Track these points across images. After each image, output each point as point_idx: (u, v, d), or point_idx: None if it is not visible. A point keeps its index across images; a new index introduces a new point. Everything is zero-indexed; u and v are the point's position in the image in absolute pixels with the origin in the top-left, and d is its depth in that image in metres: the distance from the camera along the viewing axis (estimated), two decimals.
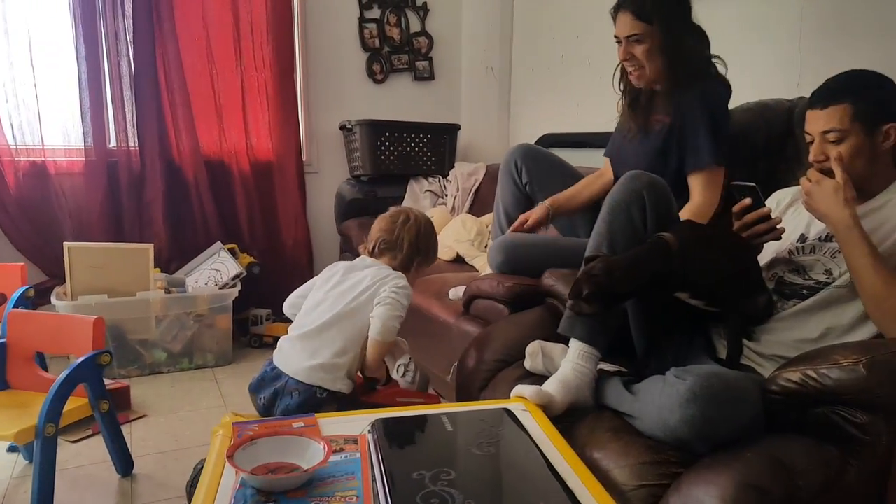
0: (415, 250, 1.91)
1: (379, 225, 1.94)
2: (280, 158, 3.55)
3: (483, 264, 2.92)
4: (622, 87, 2.11)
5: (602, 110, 2.66)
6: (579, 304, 1.37)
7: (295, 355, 1.75)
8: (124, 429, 2.19)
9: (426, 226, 1.96)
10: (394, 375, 1.88)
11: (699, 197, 1.91)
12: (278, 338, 3.23)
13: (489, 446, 1.19)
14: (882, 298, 1.37)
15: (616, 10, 1.97)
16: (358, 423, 1.30)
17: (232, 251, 3.31)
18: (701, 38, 1.93)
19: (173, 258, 3.35)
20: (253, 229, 3.55)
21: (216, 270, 3.22)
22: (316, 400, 1.68)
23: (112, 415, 2.00)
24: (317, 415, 1.34)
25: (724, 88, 1.96)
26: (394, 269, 1.87)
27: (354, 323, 1.76)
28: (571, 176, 2.36)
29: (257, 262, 3.38)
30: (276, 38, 3.44)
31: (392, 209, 2.00)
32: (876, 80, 1.51)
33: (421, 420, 1.31)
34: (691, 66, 1.91)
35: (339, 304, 1.77)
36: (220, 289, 3.12)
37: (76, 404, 1.91)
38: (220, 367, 3.10)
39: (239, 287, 3.14)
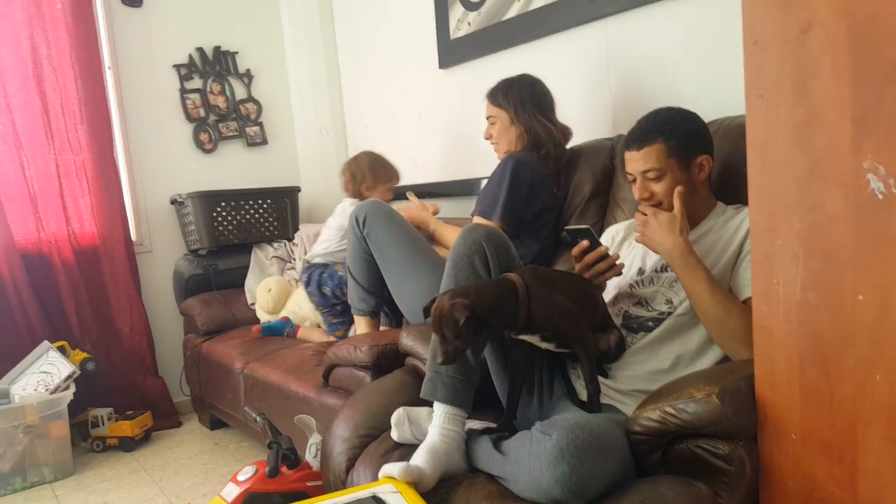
0: (352, 179, 2.82)
1: None
2: (106, 242, 3.30)
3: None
4: None
5: (435, 162, 2.70)
6: (449, 343, 1.33)
7: None
8: None
9: (357, 160, 2.84)
10: (307, 457, 1.84)
11: None
12: (124, 439, 3.06)
13: None
14: (722, 322, 1.43)
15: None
16: None
17: (62, 349, 2.99)
18: (547, 122, 2.20)
19: None
20: (83, 322, 3.25)
21: (46, 373, 2.89)
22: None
23: None
24: None
25: (534, 159, 2.18)
26: (350, 197, 2.85)
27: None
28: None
29: (91, 358, 3.08)
30: (90, 117, 3.22)
31: None
32: (682, 116, 1.60)
33: None
34: (529, 138, 2.20)
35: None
36: (52, 393, 2.80)
37: None
38: (59, 482, 2.78)
39: (73, 388, 2.85)
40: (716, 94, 1.97)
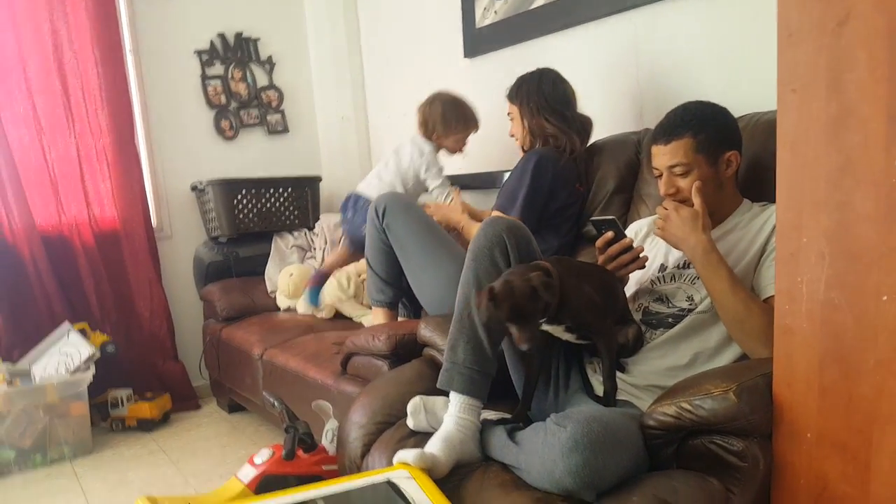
0: (424, 124, 2.64)
1: None
2: (126, 226, 3.32)
3: (371, 321, 2.83)
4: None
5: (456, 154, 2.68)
6: (529, 323, 1.33)
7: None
8: None
9: (432, 106, 2.63)
10: (323, 441, 1.87)
11: None
12: (143, 420, 3.07)
13: None
14: (742, 320, 1.41)
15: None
16: None
17: (82, 331, 3.03)
18: (558, 117, 2.21)
19: (15, 346, 3.03)
20: (103, 304, 3.28)
21: (66, 354, 2.93)
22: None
23: None
24: None
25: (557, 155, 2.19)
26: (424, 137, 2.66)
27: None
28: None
29: (112, 341, 3.12)
30: (111, 102, 3.23)
31: None
32: (711, 110, 1.57)
33: None
34: (537, 137, 2.24)
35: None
36: (72, 374, 2.84)
37: None
38: (79, 460, 2.82)
39: (93, 370, 2.88)
40: (746, 89, 1.94)
